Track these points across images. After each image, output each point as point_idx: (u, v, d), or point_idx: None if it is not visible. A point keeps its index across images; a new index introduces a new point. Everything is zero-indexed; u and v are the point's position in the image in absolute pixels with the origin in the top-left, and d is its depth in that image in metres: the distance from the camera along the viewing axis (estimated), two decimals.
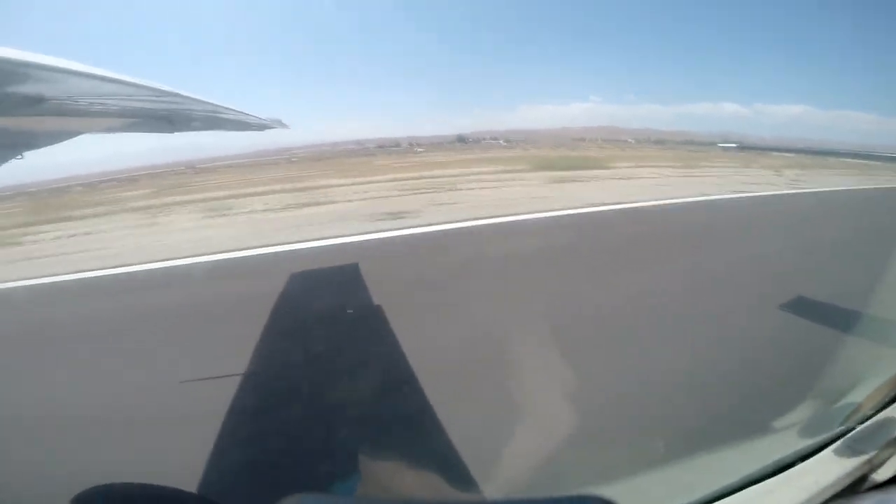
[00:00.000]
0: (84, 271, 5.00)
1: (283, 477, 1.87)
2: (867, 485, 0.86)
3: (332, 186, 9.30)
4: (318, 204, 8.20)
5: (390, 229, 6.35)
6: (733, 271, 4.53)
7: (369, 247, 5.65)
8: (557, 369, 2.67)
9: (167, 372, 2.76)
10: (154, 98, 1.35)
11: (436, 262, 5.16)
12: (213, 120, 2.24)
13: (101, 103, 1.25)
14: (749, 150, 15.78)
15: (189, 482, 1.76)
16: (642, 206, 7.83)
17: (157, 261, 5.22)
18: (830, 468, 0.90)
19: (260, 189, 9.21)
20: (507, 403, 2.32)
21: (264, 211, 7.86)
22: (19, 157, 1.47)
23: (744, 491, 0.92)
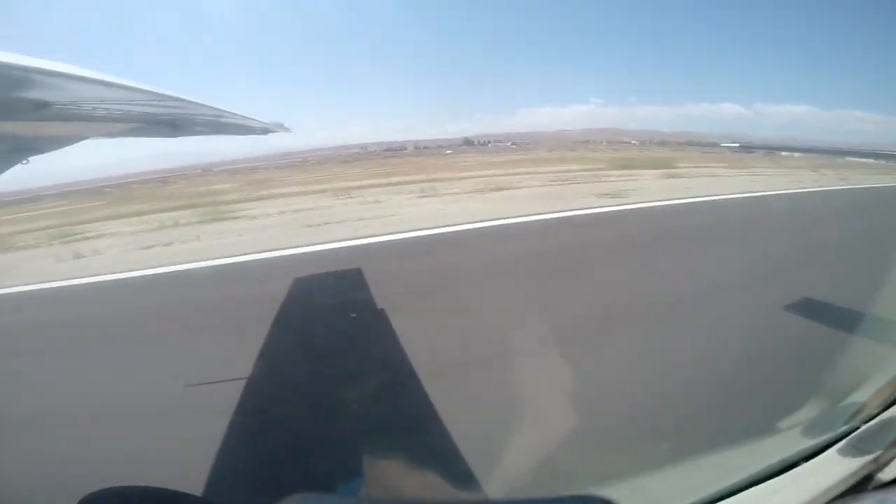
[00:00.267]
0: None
1: (285, 477, 1.87)
2: (872, 484, 0.85)
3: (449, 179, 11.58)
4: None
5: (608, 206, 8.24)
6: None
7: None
8: (576, 366, 2.68)
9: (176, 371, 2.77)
10: (157, 103, 1.36)
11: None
12: (216, 124, 2.24)
13: (105, 108, 1.26)
14: (752, 150, 15.71)
15: (193, 483, 1.77)
16: (756, 196, 9.30)
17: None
18: (835, 468, 0.89)
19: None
20: (508, 403, 2.32)
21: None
22: (25, 161, 1.48)
23: (748, 490, 0.92)
